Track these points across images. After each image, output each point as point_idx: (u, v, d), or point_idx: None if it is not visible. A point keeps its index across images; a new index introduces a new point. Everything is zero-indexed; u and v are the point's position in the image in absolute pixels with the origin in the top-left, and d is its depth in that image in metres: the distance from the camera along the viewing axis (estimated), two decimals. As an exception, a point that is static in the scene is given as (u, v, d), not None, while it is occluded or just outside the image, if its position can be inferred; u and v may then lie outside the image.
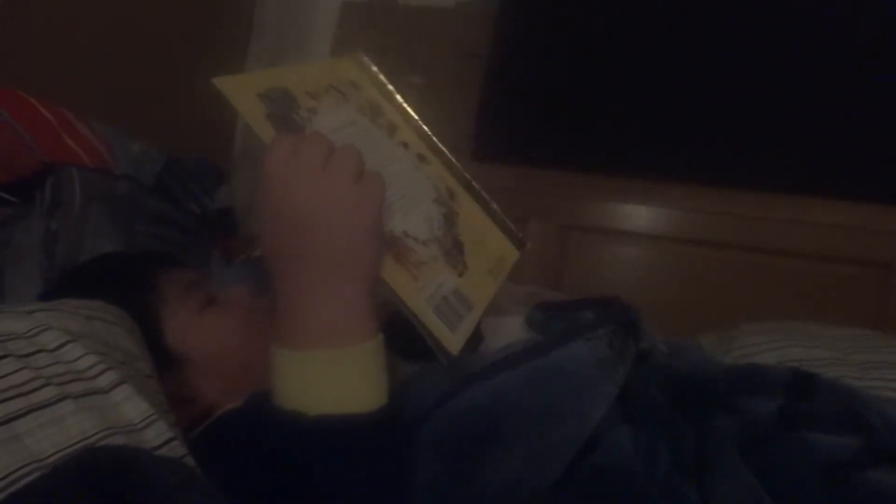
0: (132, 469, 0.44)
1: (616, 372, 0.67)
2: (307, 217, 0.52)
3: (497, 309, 1.04)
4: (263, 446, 0.54)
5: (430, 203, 0.68)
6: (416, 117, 0.74)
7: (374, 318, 0.55)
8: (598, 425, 0.62)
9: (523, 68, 1.60)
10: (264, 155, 0.53)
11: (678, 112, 1.52)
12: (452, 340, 0.59)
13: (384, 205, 0.55)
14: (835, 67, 1.44)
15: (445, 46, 1.62)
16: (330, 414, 0.51)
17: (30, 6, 1.09)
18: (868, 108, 1.44)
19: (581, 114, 1.59)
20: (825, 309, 1.18)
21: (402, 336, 0.67)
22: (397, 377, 0.78)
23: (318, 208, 0.52)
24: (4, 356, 0.52)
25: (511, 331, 0.91)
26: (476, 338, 0.90)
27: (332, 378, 0.53)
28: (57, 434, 0.49)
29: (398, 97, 0.74)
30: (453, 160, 0.74)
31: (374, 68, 0.74)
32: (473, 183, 0.74)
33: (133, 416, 0.54)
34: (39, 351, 0.54)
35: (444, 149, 0.74)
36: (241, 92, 0.57)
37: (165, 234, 1.14)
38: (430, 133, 0.74)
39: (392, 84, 0.74)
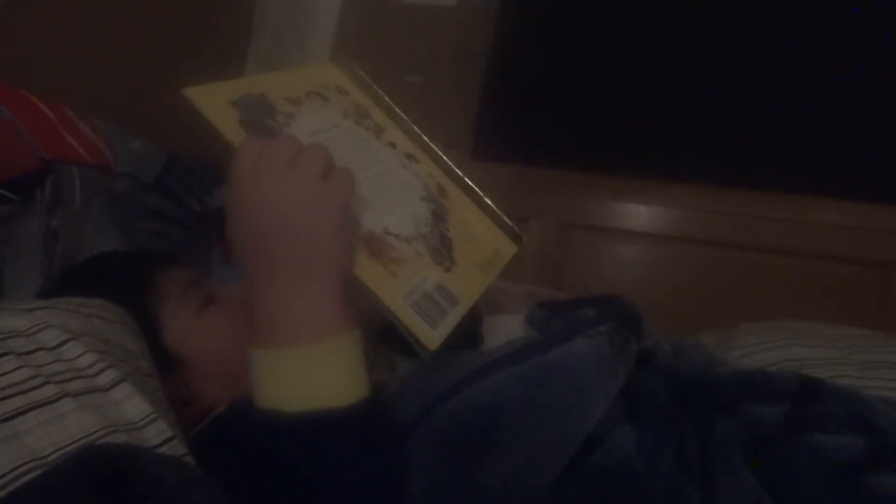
0: (132, 467, 0.44)
1: (617, 370, 0.67)
2: (273, 215, 0.53)
3: (497, 308, 1.05)
4: (246, 447, 0.54)
5: (417, 201, 0.68)
6: (406, 118, 0.74)
7: (346, 314, 0.55)
8: (600, 424, 0.62)
9: (523, 68, 1.60)
10: (233, 159, 0.54)
11: (678, 111, 1.53)
12: (432, 336, 0.59)
13: (353, 201, 0.56)
14: (835, 67, 1.44)
15: (445, 46, 1.62)
16: (306, 410, 0.51)
17: (30, 6, 1.08)
18: (868, 108, 1.44)
19: (581, 113, 1.59)
20: (825, 308, 1.18)
21: (400, 334, 0.68)
22: (396, 375, 0.78)
23: (283, 206, 0.53)
24: (4, 354, 0.52)
25: (511, 330, 0.91)
26: (476, 338, 0.90)
27: (307, 375, 0.53)
28: (57, 432, 0.49)
29: (386, 98, 0.74)
30: (445, 158, 0.74)
31: (361, 72, 0.75)
32: (466, 179, 0.74)
33: (133, 414, 0.54)
34: (39, 349, 0.54)
35: (434, 147, 0.74)
36: (212, 100, 0.57)
37: (165, 231, 1.14)
38: (420, 133, 0.74)
39: (380, 86, 0.75)
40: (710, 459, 0.60)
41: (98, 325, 0.61)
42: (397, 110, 0.74)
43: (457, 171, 0.74)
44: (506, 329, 0.92)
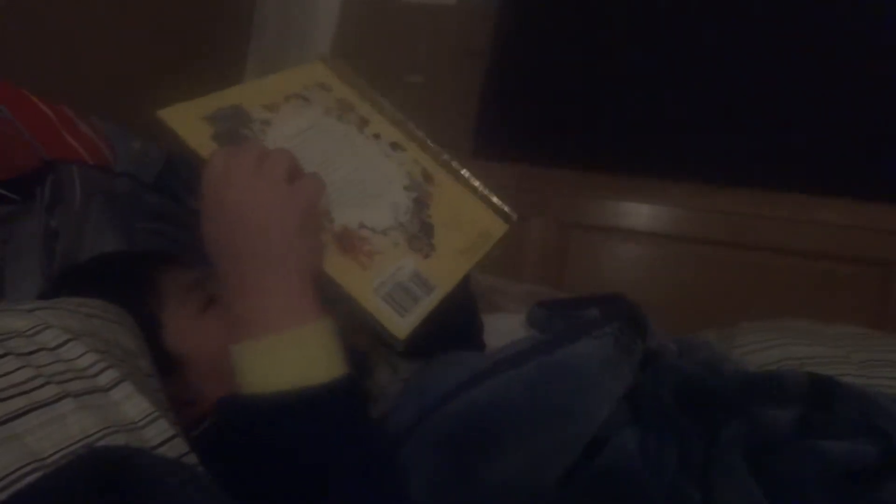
0: (133, 469, 0.44)
1: (622, 370, 0.67)
2: (240, 218, 0.56)
3: (497, 308, 1.05)
4: (236, 442, 0.55)
5: (398, 190, 0.69)
6: (391, 107, 0.76)
7: (315, 307, 0.56)
8: (603, 425, 0.62)
9: (523, 68, 1.60)
10: (204, 169, 0.58)
11: (678, 111, 1.53)
12: (401, 324, 0.60)
13: (325, 200, 0.60)
14: (835, 67, 1.44)
15: (445, 45, 1.62)
16: (284, 390, 0.53)
17: (30, 6, 1.08)
18: (868, 108, 1.44)
19: (581, 113, 1.59)
20: (825, 307, 1.18)
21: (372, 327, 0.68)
22: (400, 377, 0.78)
23: (249, 209, 0.55)
24: (4, 354, 0.52)
25: (511, 330, 0.91)
26: (479, 340, 0.90)
27: (277, 361, 0.55)
28: (57, 433, 0.49)
29: (370, 90, 0.76)
30: (430, 143, 0.75)
31: (346, 66, 0.76)
32: (452, 163, 0.75)
33: (134, 414, 0.53)
34: (40, 349, 0.54)
35: (420, 133, 0.75)
36: (184, 118, 0.61)
37: (166, 231, 1.14)
38: (404, 119, 0.75)
39: (362, 79, 0.76)
40: (710, 460, 0.60)
41: (98, 325, 0.61)
42: (381, 101, 0.76)
43: (444, 155, 0.75)
44: (506, 329, 0.92)
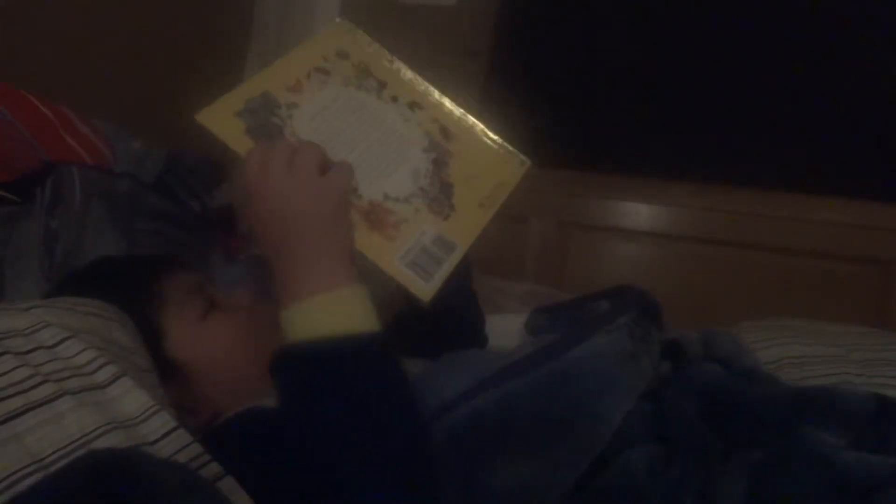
0: (135, 471, 0.44)
1: (642, 363, 0.66)
2: (283, 210, 0.62)
3: (497, 308, 1.05)
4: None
5: (418, 153, 0.74)
6: (405, 66, 0.79)
7: (353, 274, 0.63)
8: (617, 437, 0.61)
9: (523, 67, 1.60)
10: (242, 168, 0.64)
11: (678, 111, 1.53)
12: (426, 289, 0.66)
13: (350, 188, 0.66)
14: (835, 67, 1.44)
15: (445, 46, 1.62)
16: (333, 334, 0.58)
17: (30, 6, 1.09)
18: (868, 108, 1.44)
19: (581, 113, 1.59)
20: (825, 306, 1.18)
21: (406, 334, 0.68)
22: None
23: (288, 203, 0.62)
24: (3, 353, 0.52)
25: (511, 330, 0.91)
26: (481, 338, 0.90)
27: (325, 316, 0.60)
28: (56, 432, 0.49)
29: (386, 52, 0.79)
30: (445, 98, 0.79)
31: (360, 30, 0.80)
32: (469, 115, 0.79)
33: (133, 409, 0.53)
34: (38, 348, 0.54)
35: (435, 89, 0.79)
36: (219, 119, 0.67)
37: (166, 232, 1.14)
38: (421, 78, 0.79)
39: (378, 41, 0.80)
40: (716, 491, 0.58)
41: (95, 323, 0.61)
42: (397, 60, 0.79)
43: (460, 108, 0.79)
44: (506, 329, 0.92)
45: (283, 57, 0.74)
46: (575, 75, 1.59)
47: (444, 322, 0.77)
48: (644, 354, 0.67)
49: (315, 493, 0.53)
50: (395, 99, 0.76)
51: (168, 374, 0.67)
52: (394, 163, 0.72)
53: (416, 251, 0.68)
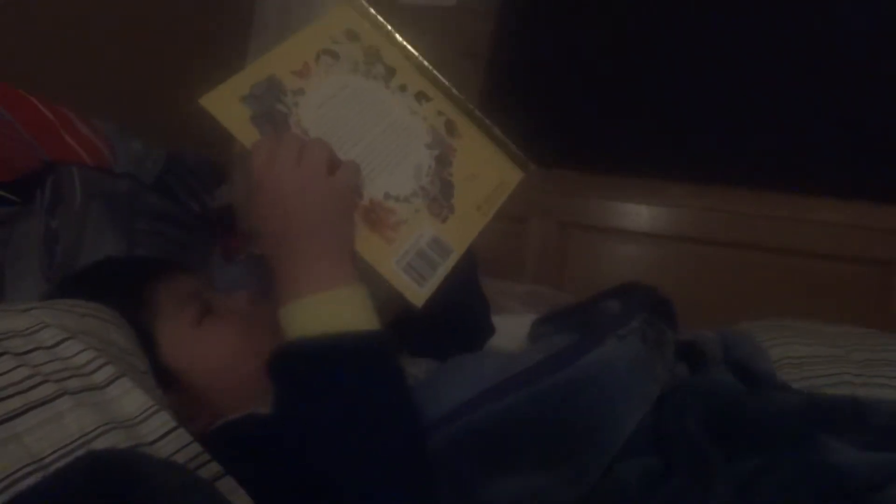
0: (134, 471, 0.44)
1: (655, 369, 0.64)
2: (288, 206, 0.62)
3: (497, 309, 1.05)
4: (282, 381, 0.59)
5: (421, 150, 0.73)
6: (417, 53, 0.77)
7: (355, 274, 0.63)
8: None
9: (523, 68, 1.60)
10: (248, 159, 0.64)
11: (678, 111, 1.52)
12: (419, 293, 0.66)
13: (356, 187, 0.66)
14: (835, 67, 1.44)
15: (445, 46, 1.62)
16: (331, 332, 0.58)
17: (30, 6, 1.09)
18: (868, 108, 1.44)
19: (581, 113, 1.59)
20: (825, 307, 1.18)
21: (408, 334, 0.68)
22: (410, 371, 0.77)
23: (295, 198, 0.62)
24: (2, 354, 0.52)
25: (511, 330, 0.91)
26: (487, 331, 0.89)
27: (324, 314, 0.60)
28: (56, 432, 0.49)
29: (398, 37, 0.77)
30: (454, 91, 0.77)
31: (372, 10, 0.77)
32: (474, 109, 0.78)
33: (132, 409, 0.53)
34: (37, 348, 0.54)
35: (444, 80, 0.77)
36: (223, 104, 0.65)
37: (166, 232, 1.14)
38: (430, 67, 0.77)
39: (390, 24, 0.78)
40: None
41: (93, 324, 0.61)
42: (408, 46, 0.77)
43: (468, 104, 0.78)
44: (506, 329, 0.92)
45: (292, 36, 0.72)
46: (575, 76, 1.59)
47: (448, 321, 0.76)
48: (658, 360, 0.65)
49: (312, 494, 0.53)
50: (403, 88, 0.75)
51: (164, 380, 0.66)
52: (397, 158, 0.71)
53: (412, 254, 0.67)
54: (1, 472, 0.45)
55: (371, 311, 0.61)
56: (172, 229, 1.16)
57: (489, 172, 0.76)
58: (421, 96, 0.76)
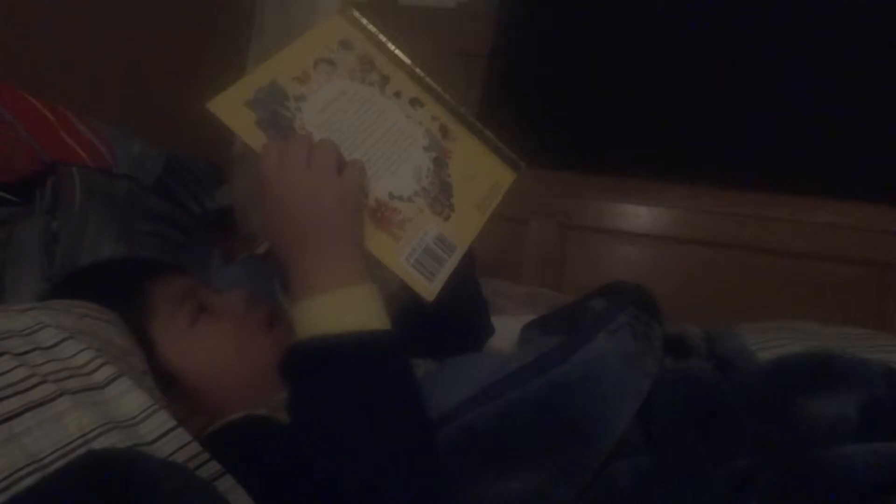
0: (133, 471, 0.44)
1: (646, 363, 0.64)
2: (301, 208, 0.63)
3: (497, 309, 1.05)
4: (295, 379, 0.59)
5: (419, 152, 0.75)
6: (409, 61, 0.79)
7: (367, 276, 0.63)
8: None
9: (523, 68, 1.60)
10: (257, 161, 0.65)
11: (678, 112, 1.52)
12: (428, 288, 0.68)
13: (364, 186, 0.67)
14: (835, 67, 1.44)
15: (445, 46, 1.62)
16: (345, 330, 0.58)
17: (30, 6, 1.09)
18: (869, 109, 1.44)
19: (581, 114, 1.59)
20: (824, 308, 1.18)
21: (410, 332, 0.68)
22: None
23: (307, 198, 0.63)
24: (1, 354, 0.52)
25: (511, 332, 0.91)
26: (486, 331, 0.90)
27: (337, 312, 0.60)
28: (55, 432, 0.49)
29: (390, 45, 0.79)
30: (446, 96, 0.79)
31: (364, 20, 0.79)
32: (466, 114, 0.80)
33: (131, 409, 0.53)
34: (36, 349, 0.54)
35: (436, 86, 0.79)
36: (229, 108, 0.67)
37: (165, 233, 1.14)
38: (422, 74, 0.79)
39: (382, 33, 0.79)
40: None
41: (91, 324, 0.61)
42: (400, 54, 0.79)
43: (459, 108, 0.80)
44: (505, 330, 0.92)
45: (289, 46, 0.74)
46: (574, 77, 1.59)
47: (447, 322, 0.77)
48: (648, 353, 0.65)
49: (314, 494, 0.53)
50: (398, 94, 0.77)
51: (162, 381, 0.66)
52: (398, 160, 0.73)
53: (419, 251, 0.69)
54: (0, 472, 0.45)
55: (382, 310, 0.62)
56: (172, 231, 1.16)
57: (484, 173, 0.78)
58: (415, 102, 0.77)
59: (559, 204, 1.59)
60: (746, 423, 0.63)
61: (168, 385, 0.67)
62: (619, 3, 1.57)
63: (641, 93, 1.55)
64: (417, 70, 0.79)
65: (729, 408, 0.64)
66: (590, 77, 1.58)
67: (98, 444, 0.50)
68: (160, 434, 0.53)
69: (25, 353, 0.53)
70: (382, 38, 0.79)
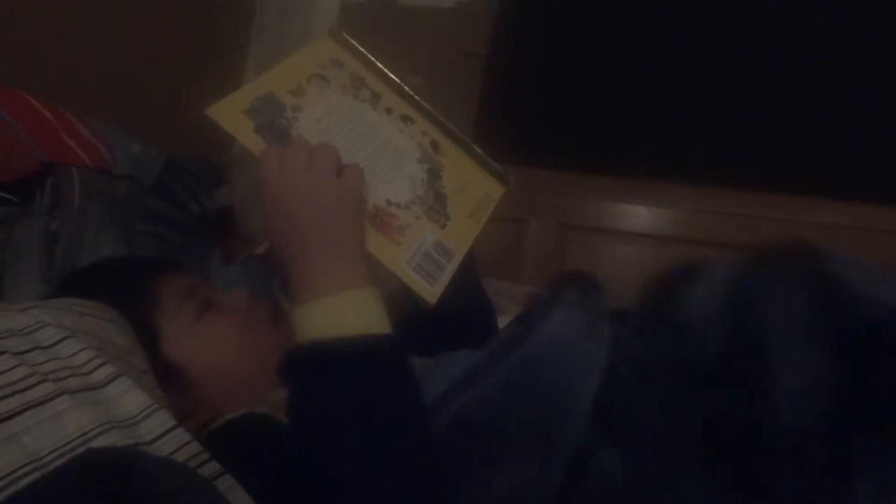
0: (132, 470, 0.44)
1: (599, 330, 0.66)
2: (302, 211, 0.63)
3: (500, 309, 1.05)
4: (296, 382, 0.59)
5: (413, 164, 0.76)
6: (397, 80, 0.81)
7: (365, 276, 0.64)
8: (593, 438, 0.60)
9: (523, 68, 1.61)
10: (257, 165, 0.65)
11: (678, 112, 1.53)
12: (430, 291, 0.69)
13: (363, 190, 0.68)
14: (835, 67, 1.44)
15: (445, 46, 1.62)
16: (347, 334, 0.59)
17: (30, 6, 1.09)
18: (869, 109, 1.44)
19: (581, 114, 1.59)
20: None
21: (410, 334, 0.68)
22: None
23: (309, 200, 0.63)
24: (1, 353, 0.52)
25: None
26: (493, 333, 0.90)
27: (338, 316, 0.60)
28: (54, 431, 0.49)
29: (379, 64, 0.81)
30: (434, 112, 0.81)
31: (354, 42, 0.81)
32: (455, 130, 0.82)
33: (131, 409, 0.53)
34: (35, 348, 0.54)
35: (425, 104, 0.81)
36: (229, 115, 0.68)
37: (165, 233, 1.14)
38: (411, 92, 0.81)
39: (371, 53, 0.81)
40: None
41: (92, 323, 0.61)
42: (389, 73, 0.81)
43: (448, 124, 0.81)
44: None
45: (281, 63, 0.75)
46: (574, 77, 1.59)
47: (453, 322, 0.77)
48: (599, 322, 0.68)
49: (314, 494, 0.53)
50: (389, 111, 0.78)
51: (165, 376, 0.66)
52: (393, 170, 0.74)
53: (420, 256, 0.70)
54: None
55: (383, 314, 0.62)
56: (171, 231, 1.16)
57: (475, 187, 0.80)
58: (406, 118, 0.79)
59: (559, 204, 1.58)
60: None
61: (171, 380, 0.67)
62: (619, 3, 1.57)
63: (641, 93, 1.55)
64: (406, 89, 0.81)
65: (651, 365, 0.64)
66: (589, 77, 1.58)
67: (97, 444, 0.49)
68: (160, 433, 0.53)
69: (25, 352, 0.53)
70: (371, 58, 0.81)
